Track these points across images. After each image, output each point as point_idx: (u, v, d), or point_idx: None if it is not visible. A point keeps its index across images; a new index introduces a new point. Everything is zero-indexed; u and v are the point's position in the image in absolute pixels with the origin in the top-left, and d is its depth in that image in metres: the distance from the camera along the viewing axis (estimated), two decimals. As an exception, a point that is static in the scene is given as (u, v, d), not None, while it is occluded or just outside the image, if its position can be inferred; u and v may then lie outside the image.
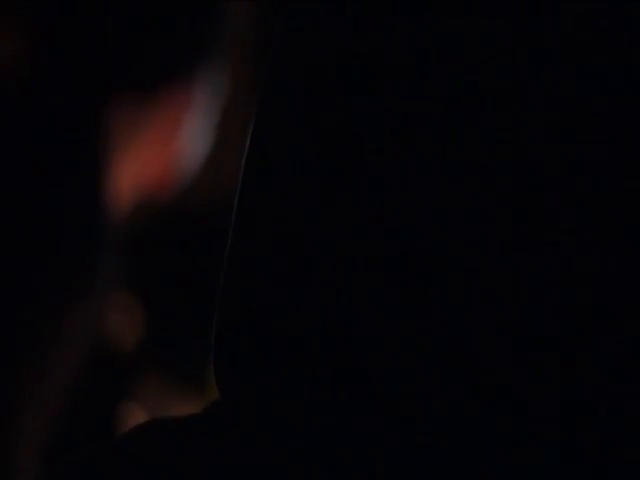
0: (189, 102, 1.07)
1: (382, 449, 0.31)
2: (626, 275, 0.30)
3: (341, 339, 0.31)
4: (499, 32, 0.30)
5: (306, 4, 0.34)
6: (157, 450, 0.34)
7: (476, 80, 0.30)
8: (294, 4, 0.35)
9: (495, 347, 0.30)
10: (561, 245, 0.30)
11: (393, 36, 0.31)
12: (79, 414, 1.04)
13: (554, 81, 0.30)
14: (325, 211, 0.32)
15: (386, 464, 0.31)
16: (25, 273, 0.90)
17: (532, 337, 0.30)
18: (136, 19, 1.02)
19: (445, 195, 0.31)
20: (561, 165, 0.30)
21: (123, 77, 1.02)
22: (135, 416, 1.87)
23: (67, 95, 0.98)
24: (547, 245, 0.30)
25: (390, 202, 0.31)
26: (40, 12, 1.03)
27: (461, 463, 0.30)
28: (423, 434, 0.31)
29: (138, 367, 2.03)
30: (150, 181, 1.10)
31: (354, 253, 0.31)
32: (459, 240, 0.30)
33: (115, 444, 0.36)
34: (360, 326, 0.31)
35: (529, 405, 0.30)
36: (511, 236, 0.30)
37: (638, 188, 0.30)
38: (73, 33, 1.01)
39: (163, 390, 2.06)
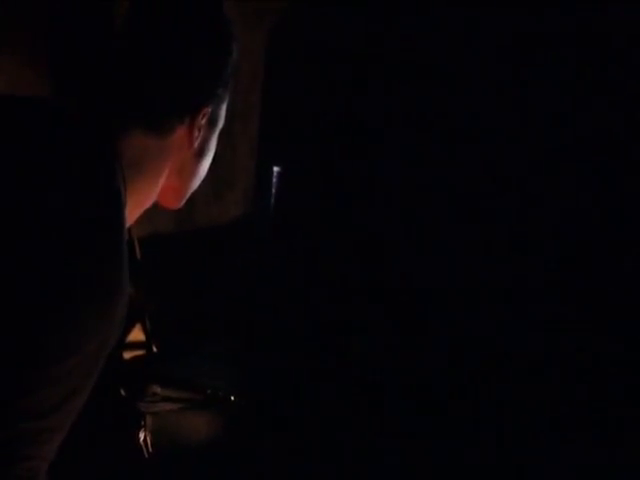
0: (197, 134, 1.11)
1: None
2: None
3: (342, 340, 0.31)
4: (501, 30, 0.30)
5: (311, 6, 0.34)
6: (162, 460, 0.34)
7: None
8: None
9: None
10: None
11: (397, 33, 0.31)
12: (85, 423, 1.05)
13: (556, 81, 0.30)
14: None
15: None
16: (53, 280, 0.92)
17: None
18: (151, 62, 1.07)
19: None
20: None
21: (136, 113, 1.06)
22: (142, 427, 1.86)
23: (86, 126, 1.03)
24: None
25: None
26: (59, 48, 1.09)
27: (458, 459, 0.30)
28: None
29: (147, 378, 2.02)
30: (158, 203, 1.14)
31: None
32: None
33: (120, 454, 0.37)
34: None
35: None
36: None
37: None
38: (91, 72, 1.07)
39: (172, 401, 2.04)
